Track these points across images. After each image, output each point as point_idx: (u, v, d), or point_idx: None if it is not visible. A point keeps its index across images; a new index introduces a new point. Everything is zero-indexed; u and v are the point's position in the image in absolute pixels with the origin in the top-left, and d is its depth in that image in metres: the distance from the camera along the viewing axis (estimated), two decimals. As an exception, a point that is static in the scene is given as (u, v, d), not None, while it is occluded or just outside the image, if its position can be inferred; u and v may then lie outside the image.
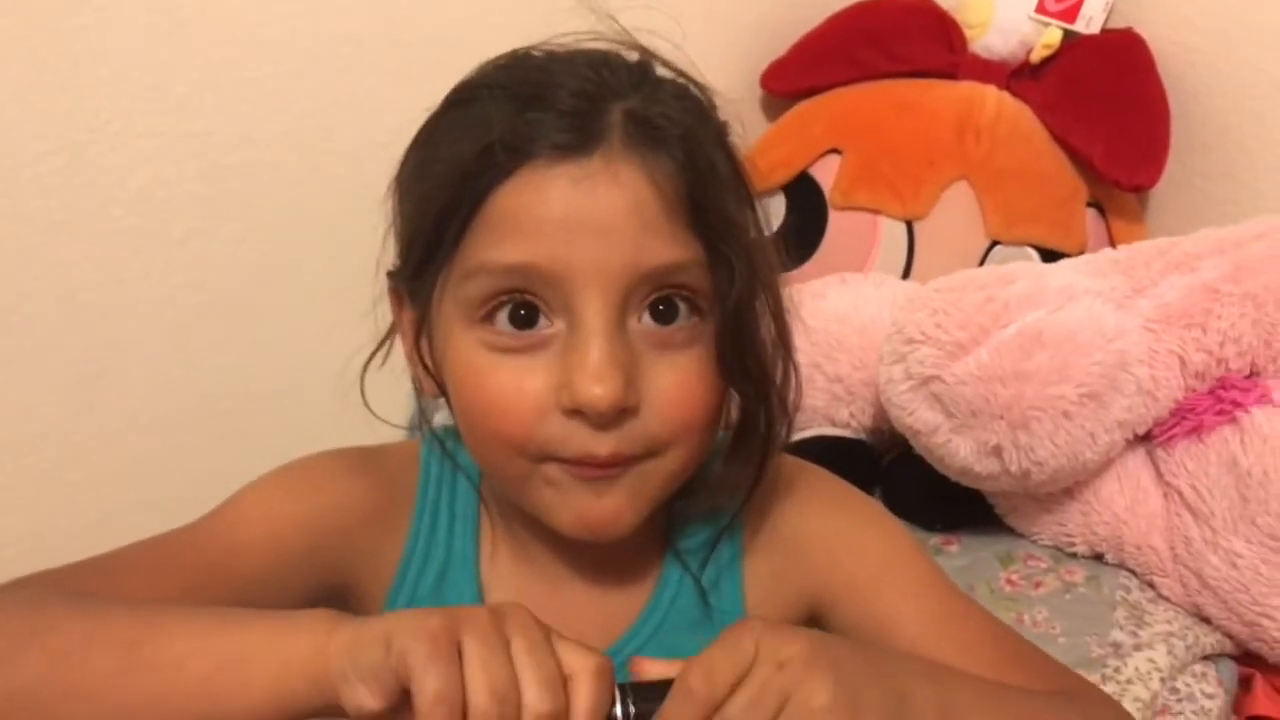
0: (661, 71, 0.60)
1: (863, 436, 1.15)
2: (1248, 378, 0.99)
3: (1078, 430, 0.93)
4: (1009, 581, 1.04)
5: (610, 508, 0.58)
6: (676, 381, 0.56)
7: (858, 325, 1.14)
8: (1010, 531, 1.10)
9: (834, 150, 1.31)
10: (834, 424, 1.14)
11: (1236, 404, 0.97)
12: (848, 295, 1.17)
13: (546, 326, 0.56)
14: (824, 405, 1.12)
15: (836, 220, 1.29)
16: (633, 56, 0.60)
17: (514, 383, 0.56)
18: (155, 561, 0.59)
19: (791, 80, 1.40)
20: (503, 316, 0.57)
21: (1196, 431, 0.99)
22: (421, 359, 0.64)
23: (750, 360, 0.58)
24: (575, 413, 0.55)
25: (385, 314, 0.68)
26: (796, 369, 0.63)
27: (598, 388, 0.54)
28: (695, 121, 0.58)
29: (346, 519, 0.65)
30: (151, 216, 1.13)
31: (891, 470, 1.14)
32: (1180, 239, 1.05)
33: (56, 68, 1.05)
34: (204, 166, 1.14)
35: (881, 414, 1.09)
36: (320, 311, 1.21)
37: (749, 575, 0.67)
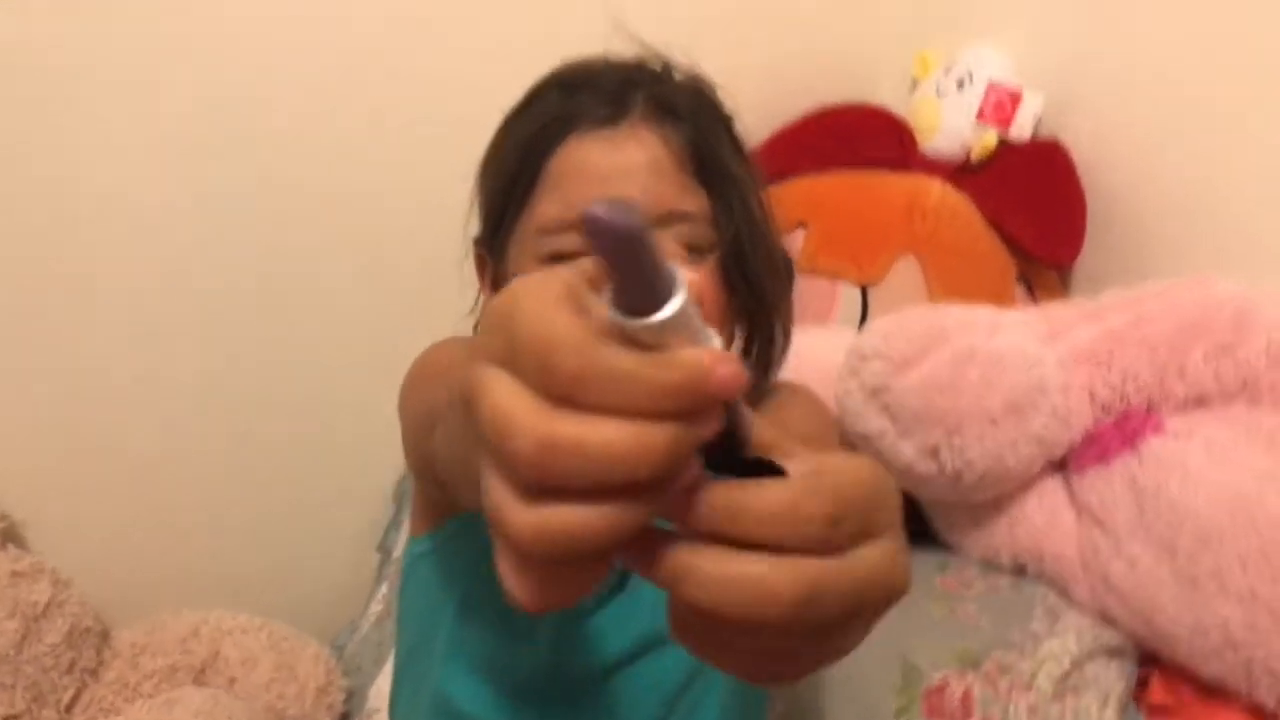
0: (679, 75, 0.80)
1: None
2: (1146, 411, 1.16)
3: (1002, 437, 1.09)
4: (943, 583, 1.18)
5: None
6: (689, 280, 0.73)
7: (817, 365, 1.29)
8: (945, 547, 1.25)
9: (801, 224, 1.50)
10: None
11: (1136, 433, 1.14)
12: (808, 340, 1.33)
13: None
14: (785, 431, 1.28)
15: (801, 283, 1.47)
16: (657, 64, 0.80)
17: None
18: None
19: (766, 166, 1.60)
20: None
21: (1103, 457, 1.16)
22: None
23: (750, 279, 0.75)
24: None
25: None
26: (790, 305, 0.80)
27: None
28: (702, 105, 0.78)
29: None
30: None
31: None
32: (1091, 299, 1.23)
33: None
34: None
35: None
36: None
37: None
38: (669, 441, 0.29)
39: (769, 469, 0.33)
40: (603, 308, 0.31)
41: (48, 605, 1.18)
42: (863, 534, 0.33)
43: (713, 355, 0.30)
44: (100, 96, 1.23)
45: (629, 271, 0.29)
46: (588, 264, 0.34)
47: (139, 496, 1.39)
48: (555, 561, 0.30)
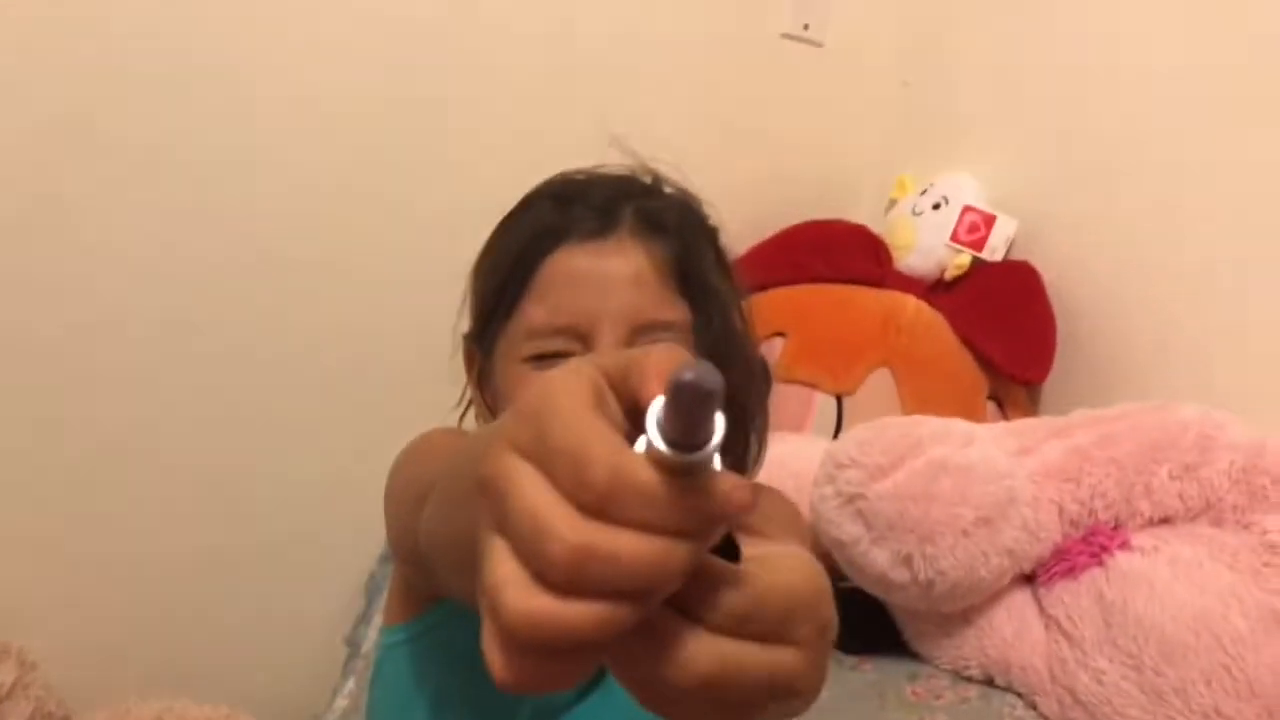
0: (668, 189, 0.84)
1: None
2: (1113, 528, 1.19)
3: (974, 548, 1.11)
4: (914, 693, 1.19)
5: None
6: None
7: (793, 470, 1.32)
8: (915, 657, 1.26)
9: (779, 334, 1.54)
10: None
11: (1104, 548, 1.17)
12: (786, 446, 1.37)
13: None
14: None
15: (779, 390, 1.50)
16: (647, 178, 0.84)
17: None
18: None
19: (748, 276, 1.64)
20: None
21: (1071, 571, 1.18)
22: (485, 401, 0.84)
23: (728, 391, 0.78)
24: None
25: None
26: (766, 414, 0.82)
27: None
28: (688, 219, 0.82)
29: None
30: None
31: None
32: (1060, 417, 1.27)
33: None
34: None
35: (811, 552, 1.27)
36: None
37: None
38: (687, 557, 0.32)
39: (729, 547, 0.36)
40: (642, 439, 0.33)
41: (13, 686, 1.17)
42: (780, 638, 0.35)
43: (732, 482, 0.32)
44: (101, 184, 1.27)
45: (695, 419, 0.32)
46: (606, 362, 0.36)
47: (108, 583, 1.38)
48: (542, 651, 0.32)
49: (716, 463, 0.33)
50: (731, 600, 0.34)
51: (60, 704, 1.25)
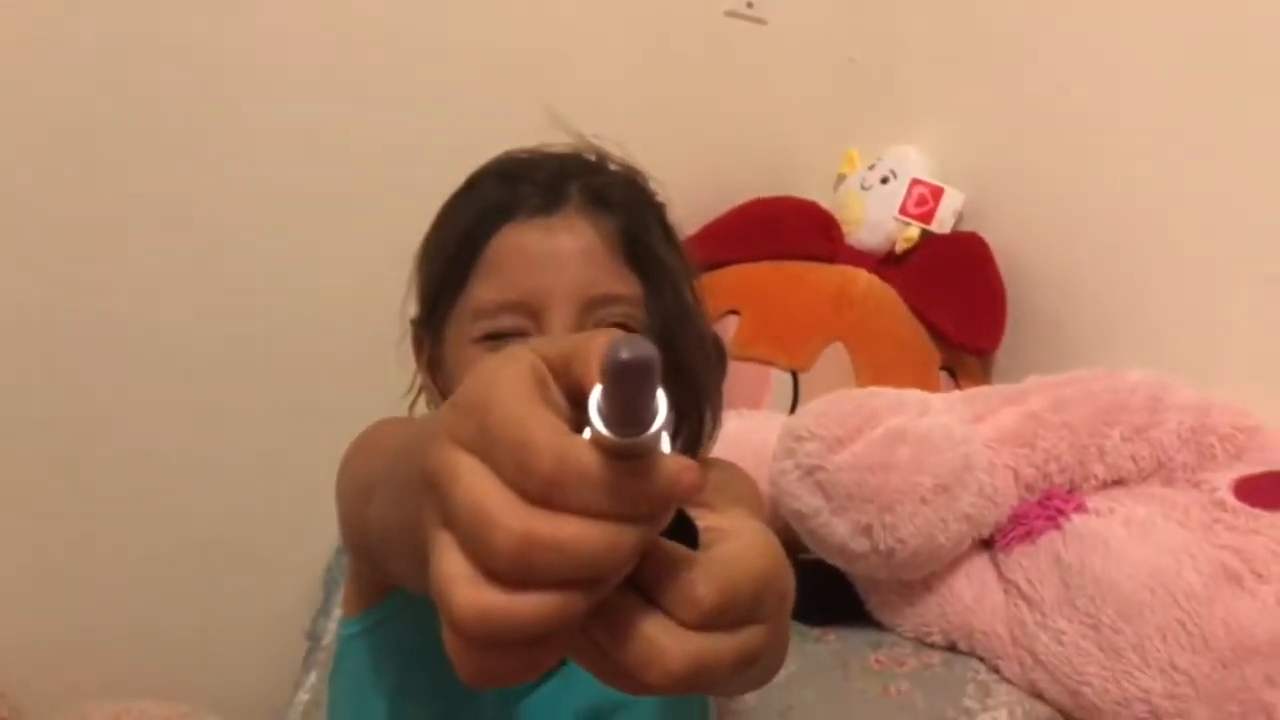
0: (613, 165, 0.84)
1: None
2: (1069, 491, 1.21)
3: (933, 515, 1.12)
4: (877, 661, 1.20)
5: None
6: None
7: (752, 447, 1.32)
8: (878, 626, 1.27)
9: (733, 311, 1.54)
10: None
11: (1060, 511, 1.18)
12: (743, 424, 1.37)
13: (526, 339, 0.76)
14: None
15: (734, 369, 1.49)
16: (592, 155, 0.84)
17: None
18: None
19: (699, 255, 1.65)
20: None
21: (1029, 535, 1.19)
22: (436, 387, 0.83)
23: (681, 365, 0.78)
24: None
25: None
26: (720, 389, 0.82)
27: None
28: (635, 195, 0.81)
29: None
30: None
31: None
32: (1013, 385, 1.28)
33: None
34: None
35: (770, 524, 1.27)
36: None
37: None
38: (636, 541, 0.31)
39: (685, 527, 0.36)
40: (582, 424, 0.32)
41: (-37, 694, 1.14)
42: (748, 620, 0.35)
43: (679, 464, 0.32)
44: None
45: (633, 398, 0.31)
46: (547, 349, 0.35)
47: (58, 584, 1.35)
48: (496, 645, 0.31)
49: (665, 444, 0.32)
50: (702, 595, 0.33)
51: (14, 709, 1.22)
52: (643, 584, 0.34)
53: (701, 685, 0.34)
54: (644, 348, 0.30)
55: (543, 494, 0.31)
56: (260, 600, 1.48)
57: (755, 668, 0.37)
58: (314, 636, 1.46)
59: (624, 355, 0.30)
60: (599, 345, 0.34)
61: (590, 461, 0.31)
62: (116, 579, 1.38)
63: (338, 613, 1.37)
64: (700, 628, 0.33)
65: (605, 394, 0.31)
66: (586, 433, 0.32)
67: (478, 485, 0.31)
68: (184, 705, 1.31)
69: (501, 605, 0.31)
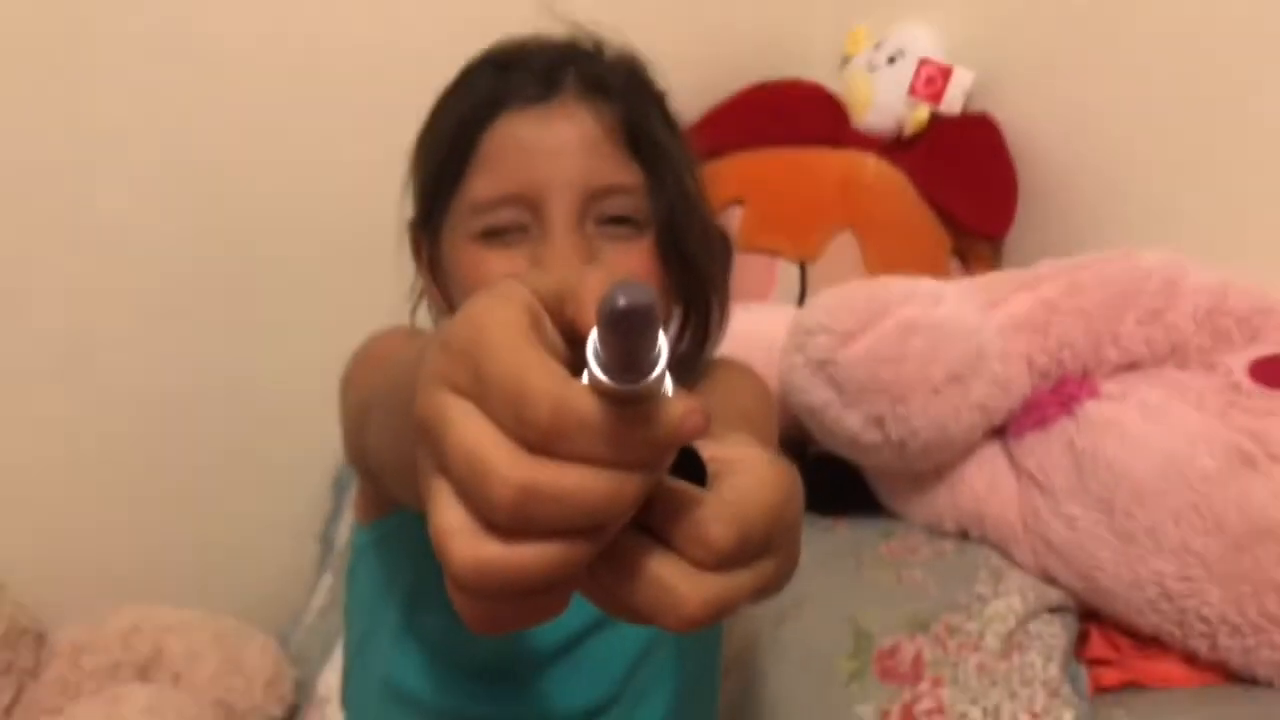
0: (611, 52, 0.80)
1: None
2: (1082, 377, 1.19)
3: (945, 405, 1.11)
4: (889, 550, 1.20)
5: None
6: (625, 258, 0.74)
7: (760, 342, 1.31)
8: (890, 516, 1.27)
9: (738, 201, 1.50)
10: (738, 426, 1.31)
11: (1073, 398, 1.17)
12: (751, 318, 1.35)
13: (527, 234, 0.74)
14: (731, 405, 1.29)
15: (740, 260, 1.46)
16: (589, 43, 0.81)
17: (501, 265, 0.73)
18: None
19: (702, 143, 1.60)
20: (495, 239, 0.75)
21: (1041, 423, 1.18)
22: (436, 286, 0.81)
23: (686, 255, 0.76)
24: None
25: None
26: (728, 281, 0.80)
27: (563, 264, 0.70)
28: (634, 82, 0.78)
29: None
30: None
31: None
32: (1025, 270, 1.26)
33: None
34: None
35: (780, 419, 1.26)
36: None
37: None
38: (639, 488, 0.30)
39: (692, 462, 0.35)
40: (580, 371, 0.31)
41: (-19, 608, 1.15)
42: (761, 554, 0.35)
43: (682, 408, 0.30)
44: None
45: (633, 345, 0.29)
46: (540, 285, 0.34)
47: (71, 494, 1.35)
48: (497, 596, 0.31)
49: (668, 386, 0.31)
50: (717, 536, 0.32)
51: (33, 619, 1.24)
52: (652, 524, 0.32)
53: (717, 621, 0.33)
54: (642, 293, 0.28)
55: (541, 442, 0.29)
56: (272, 506, 1.49)
57: (769, 596, 0.37)
58: (326, 540, 1.47)
59: (621, 302, 0.28)
60: (592, 286, 0.32)
61: (590, 409, 0.29)
62: (130, 488, 1.39)
63: (349, 516, 1.38)
64: (715, 569, 0.32)
65: (603, 341, 0.30)
66: (585, 376, 0.30)
67: (472, 434, 0.30)
68: (200, 611, 1.32)
69: (500, 557, 0.30)
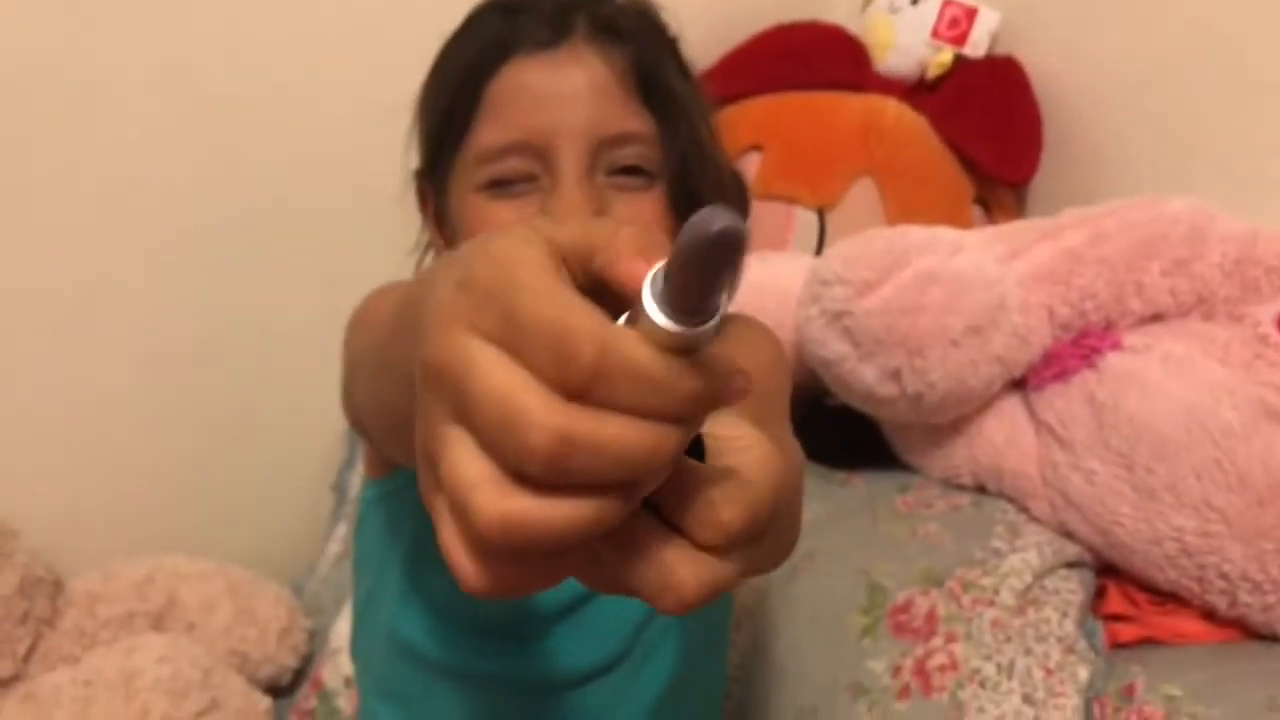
0: None
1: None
2: (1104, 328, 1.17)
3: (963, 358, 1.09)
4: (904, 503, 1.19)
5: None
6: (637, 210, 0.72)
7: (776, 293, 1.29)
8: (905, 469, 1.25)
9: (755, 147, 1.47)
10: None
11: (1094, 350, 1.14)
12: (767, 268, 1.33)
13: (535, 184, 0.72)
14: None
15: (756, 208, 1.44)
16: None
17: (509, 216, 0.71)
18: None
19: (718, 88, 1.57)
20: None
21: (1062, 375, 1.16)
22: (442, 237, 0.79)
23: (700, 204, 0.74)
24: None
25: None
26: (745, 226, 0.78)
27: (573, 216, 0.69)
28: (646, 26, 0.76)
29: None
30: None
31: (801, 420, 1.29)
32: (1048, 218, 1.23)
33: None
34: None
35: (796, 370, 1.24)
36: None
37: None
38: (679, 444, 0.29)
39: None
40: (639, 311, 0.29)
41: (-5, 557, 1.16)
42: (761, 536, 0.33)
43: (731, 363, 0.29)
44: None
45: (713, 279, 0.27)
46: (557, 235, 0.31)
47: (86, 444, 1.35)
48: (517, 554, 0.29)
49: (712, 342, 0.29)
50: (728, 518, 0.30)
51: (49, 569, 1.24)
52: (659, 500, 0.30)
53: (708, 604, 0.32)
54: (734, 217, 0.26)
55: (582, 388, 0.27)
56: (286, 455, 1.49)
57: (766, 573, 0.37)
58: (340, 489, 1.47)
59: (717, 226, 0.26)
60: (627, 238, 0.30)
61: (640, 354, 0.27)
62: (145, 438, 1.39)
63: (362, 466, 1.38)
64: (721, 551, 0.31)
65: (678, 274, 0.27)
66: (622, 321, 0.29)
67: (504, 378, 0.28)
68: (214, 561, 1.33)
69: (533, 511, 0.28)
